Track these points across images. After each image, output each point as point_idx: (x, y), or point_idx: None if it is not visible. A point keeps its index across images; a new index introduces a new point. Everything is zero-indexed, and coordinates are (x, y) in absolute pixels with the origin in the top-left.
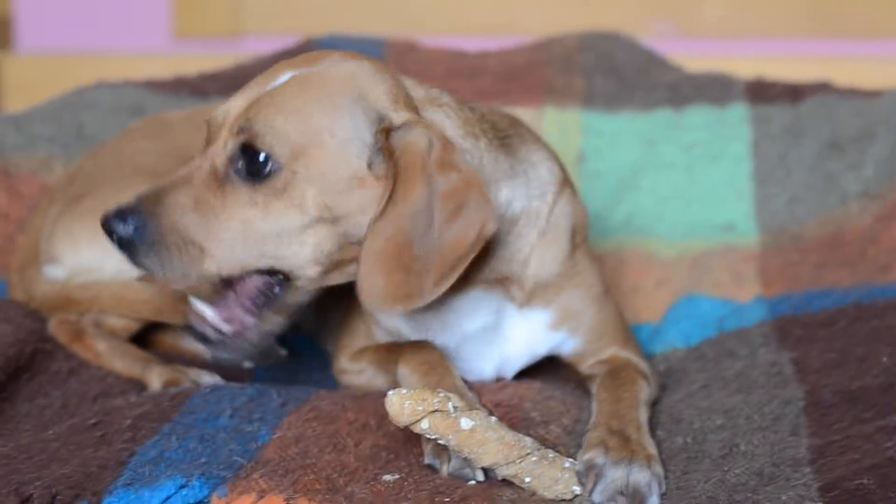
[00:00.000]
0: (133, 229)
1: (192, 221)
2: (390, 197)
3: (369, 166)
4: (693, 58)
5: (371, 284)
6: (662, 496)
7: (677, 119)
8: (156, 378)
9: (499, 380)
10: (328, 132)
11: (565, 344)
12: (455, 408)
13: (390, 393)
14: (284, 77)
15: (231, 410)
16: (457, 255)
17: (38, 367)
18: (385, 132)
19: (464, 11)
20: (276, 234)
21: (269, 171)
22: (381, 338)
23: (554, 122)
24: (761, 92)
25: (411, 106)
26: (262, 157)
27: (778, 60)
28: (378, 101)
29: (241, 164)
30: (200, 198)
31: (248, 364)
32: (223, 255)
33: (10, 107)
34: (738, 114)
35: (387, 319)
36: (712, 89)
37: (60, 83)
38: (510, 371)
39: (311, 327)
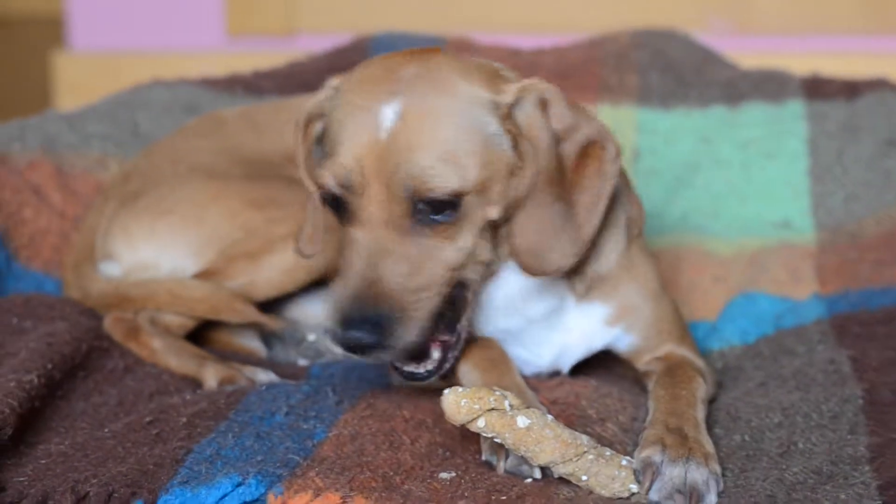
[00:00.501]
0: (374, 336)
1: (403, 285)
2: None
3: (514, 150)
4: (748, 54)
5: (535, 256)
6: (720, 494)
7: (733, 116)
8: (211, 375)
9: (554, 374)
10: (476, 148)
11: (622, 340)
12: (511, 406)
13: (446, 391)
14: (390, 111)
15: (287, 408)
16: (592, 200)
17: (94, 365)
18: (506, 116)
19: (518, 8)
20: (465, 255)
21: (450, 209)
22: None
23: (609, 120)
24: (817, 88)
25: (501, 75)
26: (438, 203)
27: (833, 57)
28: (484, 91)
29: (419, 215)
30: (401, 259)
31: (303, 361)
32: (427, 297)
33: (63, 105)
34: (794, 110)
35: None
36: (768, 86)
37: (113, 82)
38: (567, 363)
39: None
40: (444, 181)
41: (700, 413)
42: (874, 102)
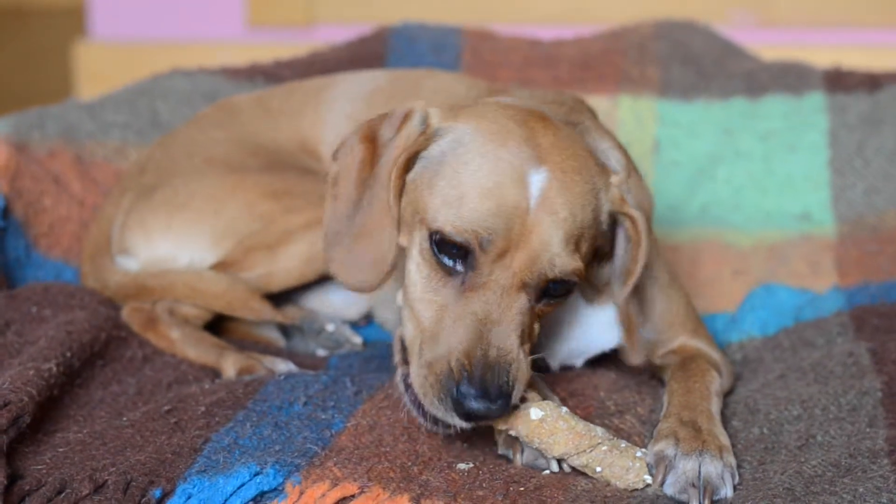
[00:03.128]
0: (493, 404)
1: (519, 353)
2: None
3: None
4: (769, 46)
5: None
6: (737, 487)
7: (754, 108)
8: (230, 365)
9: (563, 368)
10: (592, 231)
11: None
12: (524, 398)
13: None
14: (538, 179)
15: (305, 398)
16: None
17: (113, 355)
18: (616, 203)
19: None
20: None
21: (567, 289)
22: None
23: (629, 111)
24: (838, 81)
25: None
26: (562, 285)
27: (855, 49)
28: (604, 176)
29: (543, 290)
30: (522, 327)
31: (322, 352)
32: (525, 361)
33: (84, 95)
34: (815, 103)
35: None
36: (789, 78)
37: (134, 71)
38: (578, 361)
39: (385, 319)
40: (574, 264)
41: (714, 406)
42: (895, 95)
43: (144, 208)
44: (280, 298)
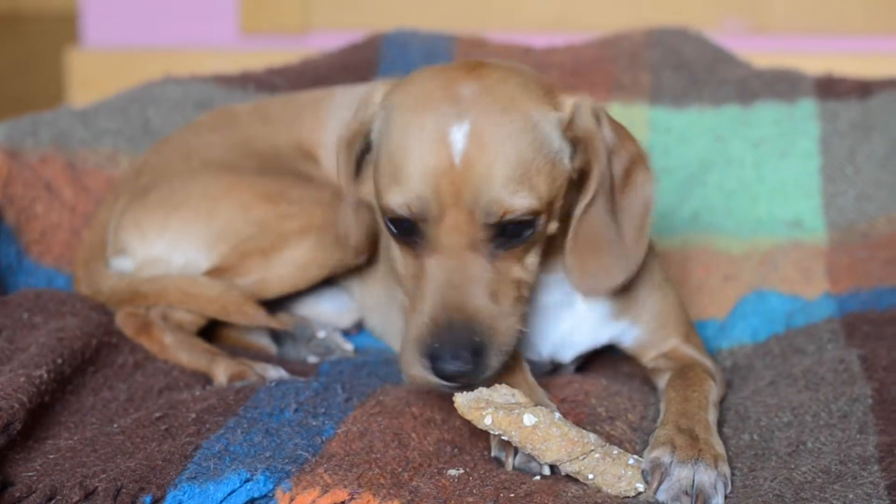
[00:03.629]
0: (470, 365)
1: (490, 311)
2: (585, 181)
3: (571, 163)
4: (762, 54)
5: (588, 274)
6: (728, 496)
7: (745, 115)
8: (222, 371)
9: (554, 369)
10: (545, 166)
11: (627, 334)
12: (518, 403)
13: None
14: (459, 134)
15: (296, 405)
16: (639, 222)
17: (104, 361)
18: (567, 129)
19: (531, 6)
20: (533, 274)
21: (526, 230)
22: None
23: (621, 118)
24: (830, 88)
25: (553, 88)
26: (517, 224)
27: (847, 56)
28: (546, 107)
29: (498, 239)
30: (485, 284)
31: (313, 359)
32: (513, 320)
33: (77, 101)
34: (806, 110)
35: None
36: (781, 85)
37: (126, 78)
38: (568, 355)
39: (375, 326)
40: (522, 203)
41: (711, 415)
42: (886, 102)
43: (140, 208)
44: (272, 306)
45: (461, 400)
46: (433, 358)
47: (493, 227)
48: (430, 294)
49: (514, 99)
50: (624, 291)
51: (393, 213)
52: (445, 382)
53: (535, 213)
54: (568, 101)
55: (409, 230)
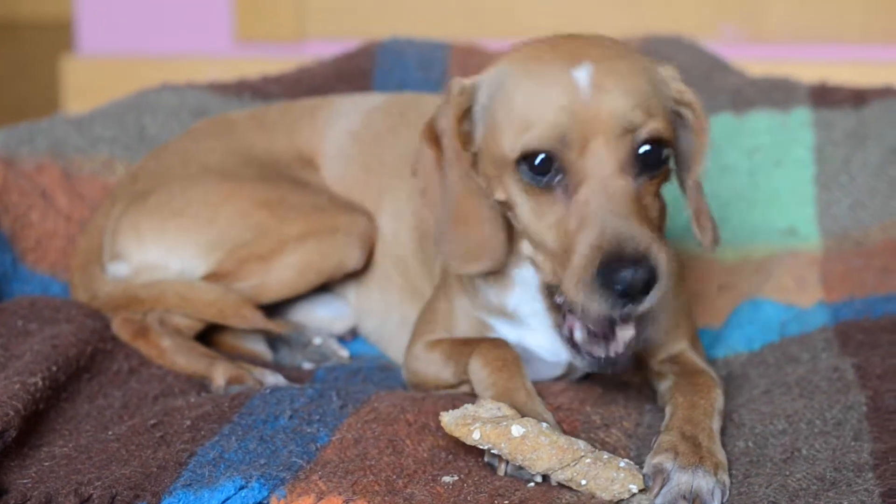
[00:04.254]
0: (646, 274)
1: (652, 236)
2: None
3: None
4: (758, 62)
5: (705, 233)
6: (724, 503)
7: (740, 123)
8: (220, 374)
9: (563, 376)
10: (663, 106)
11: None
12: (505, 416)
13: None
14: (583, 73)
15: (291, 412)
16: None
17: (99, 368)
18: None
19: (526, 15)
20: (663, 212)
21: (662, 157)
22: (463, 331)
23: None
24: (824, 96)
25: None
26: (654, 152)
27: (842, 65)
28: (651, 68)
29: (639, 164)
30: (641, 208)
31: (308, 365)
32: (665, 250)
33: (72, 109)
34: (801, 118)
35: (497, 295)
36: (775, 93)
37: (122, 86)
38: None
39: (370, 332)
40: (653, 124)
41: (716, 424)
42: (881, 110)
43: (138, 212)
44: (268, 311)
45: (447, 418)
46: (610, 271)
47: (632, 150)
48: (587, 223)
49: (624, 48)
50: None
51: (531, 152)
52: (618, 307)
53: (665, 141)
54: (665, 70)
55: (548, 171)
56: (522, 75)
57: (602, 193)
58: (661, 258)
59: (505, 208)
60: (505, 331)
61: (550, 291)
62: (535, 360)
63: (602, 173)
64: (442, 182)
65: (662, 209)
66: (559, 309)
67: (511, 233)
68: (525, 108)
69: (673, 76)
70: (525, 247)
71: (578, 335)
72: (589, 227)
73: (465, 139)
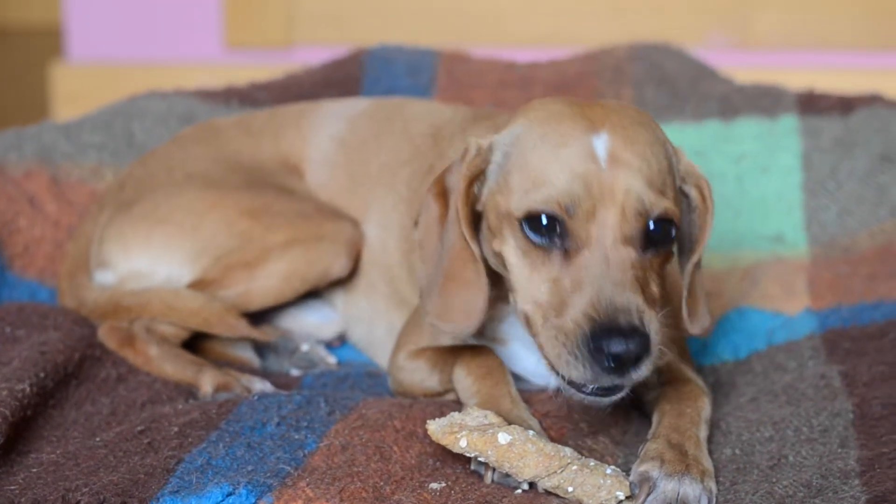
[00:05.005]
0: (636, 349)
1: (647, 310)
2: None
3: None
4: (747, 69)
5: (695, 319)
6: None
7: (727, 130)
8: (208, 381)
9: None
10: (673, 186)
11: None
12: (491, 424)
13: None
14: (600, 143)
15: (278, 418)
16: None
17: (87, 374)
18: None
19: (514, 22)
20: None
21: (669, 236)
22: (446, 335)
23: None
24: (812, 104)
25: None
26: (662, 229)
27: (830, 72)
28: (665, 140)
29: (646, 240)
30: (639, 281)
31: (296, 372)
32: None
33: (61, 116)
34: (788, 125)
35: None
36: (763, 101)
37: (111, 92)
38: None
39: (359, 339)
40: (664, 203)
41: (703, 432)
42: (868, 118)
43: (124, 221)
44: (254, 318)
45: (434, 427)
46: (597, 339)
47: (642, 228)
48: (584, 285)
49: (643, 117)
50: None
51: (535, 213)
52: (604, 377)
53: (673, 221)
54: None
55: (550, 232)
56: (539, 137)
57: (603, 260)
58: (654, 328)
59: (499, 261)
60: None
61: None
62: (525, 383)
63: (606, 242)
64: (441, 238)
65: (668, 288)
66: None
67: (497, 293)
68: (539, 170)
69: (682, 151)
70: (515, 302)
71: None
72: (584, 290)
73: (473, 199)
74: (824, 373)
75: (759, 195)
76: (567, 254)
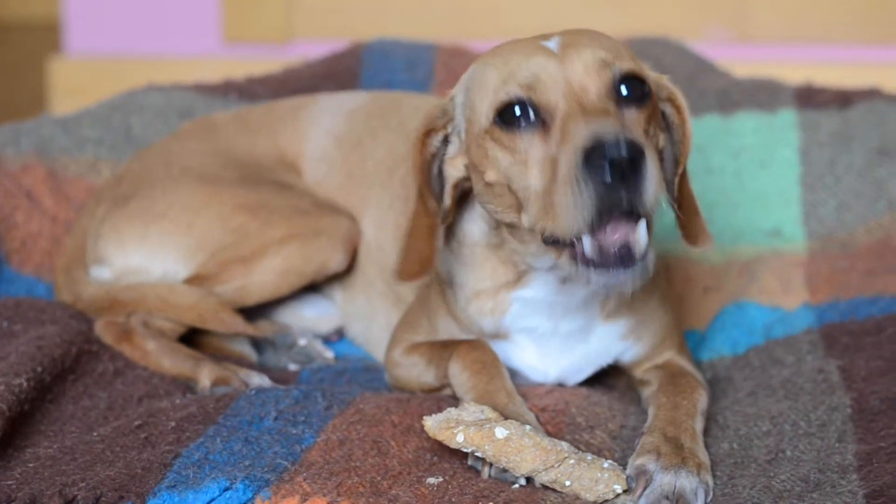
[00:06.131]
0: (626, 150)
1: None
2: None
3: None
4: (746, 63)
5: (697, 233)
6: (708, 503)
7: (726, 124)
8: (205, 375)
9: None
10: (635, 67)
11: (629, 351)
12: (488, 419)
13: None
14: (551, 43)
15: (276, 413)
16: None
17: (84, 369)
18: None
19: (513, 16)
20: (658, 145)
21: (642, 93)
22: (444, 334)
23: None
24: (810, 97)
25: None
26: (633, 86)
27: (828, 66)
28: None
29: (620, 99)
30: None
31: (293, 366)
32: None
33: (59, 110)
34: (786, 119)
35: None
36: (761, 95)
37: (109, 86)
38: (574, 379)
39: (356, 333)
40: (625, 63)
41: (699, 424)
42: (866, 112)
43: (120, 217)
44: (252, 312)
45: (431, 423)
46: (590, 156)
47: (610, 82)
48: (570, 134)
49: (596, 31)
50: (639, 307)
51: (503, 103)
52: (618, 269)
53: (644, 80)
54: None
55: (523, 116)
56: (490, 58)
57: (580, 112)
58: (643, 140)
59: (494, 196)
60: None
61: (546, 239)
62: (522, 379)
63: (581, 100)
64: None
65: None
66: (562, 247)
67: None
68: (497, 78)
69: (647, 65)
70: (530, 222)
71: (588, 249)
72: (569, 139)
73: (439, 159)
74: (822, 367)
75: (757, 189)
76: (545, 127)
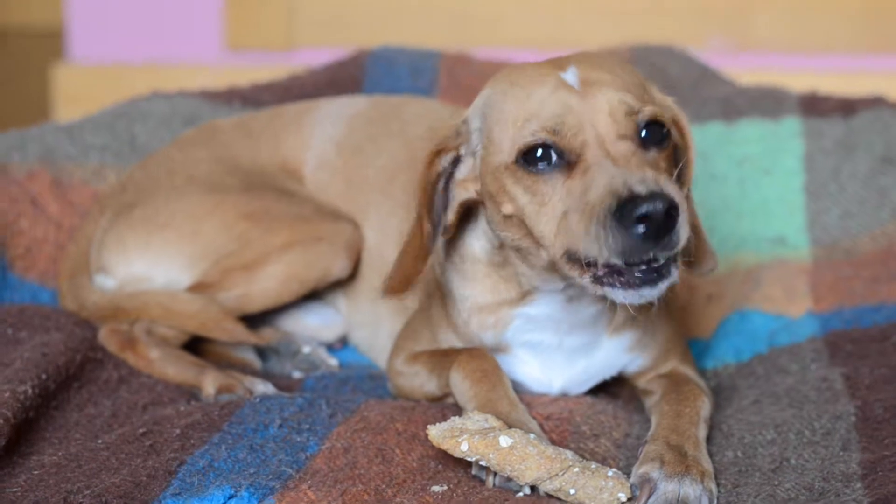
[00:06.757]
0: (665, 203)
1: (658, 176)
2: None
3: None
4: (748, 71)
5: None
6: None
7: (730, 132)
8: (210, 383)
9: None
10: (648, 98)
11: (633, 363)
12: (492, 428)
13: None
14: (570, 75)
15: (280, 420)
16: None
17: (88, 376)
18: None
19: (517, 24)
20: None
21: (663, 136)
22: (445, 345)
23: None
24: (814, 106)
25: None
26: (654, 130)
27: (832, 75)
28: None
29: (641, 143)
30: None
31: (297, 374)
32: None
33: (62, 116)
34: (790, 127)
35: (494, 327)
36: (765, 103)
37: (113, 94)
38: (577, 391)
39: (360, 341)
40: (647, 108)
41: (702, 432)
42: (870, 120)
43: (123, 226)
44: (256, 320)
45: (435, 432)
46: (623, 206)
47: (635, 129)
48: (596, 177)
49: (609, 57)
50: (645, 319)
51: (527, 145)
52: (645, 285)
53: (664, 123)
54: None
55: (545, 158)
56: (509, 86)
57: (605, 155)
58: (674, 189)
59: (509, 226)
60: None
61: (573, 258)
62: (525, 390)
63: (605, 140)
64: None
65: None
66: (582, 266)
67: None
68: (517, 112)
69: (654, 86)
70: (548, 254)
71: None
72: (595, 181)
73: (447, 178)
74: (826, 375)
75: (761, 197)
76: (570, 171)
